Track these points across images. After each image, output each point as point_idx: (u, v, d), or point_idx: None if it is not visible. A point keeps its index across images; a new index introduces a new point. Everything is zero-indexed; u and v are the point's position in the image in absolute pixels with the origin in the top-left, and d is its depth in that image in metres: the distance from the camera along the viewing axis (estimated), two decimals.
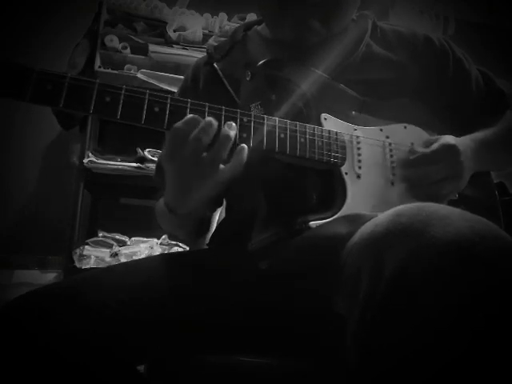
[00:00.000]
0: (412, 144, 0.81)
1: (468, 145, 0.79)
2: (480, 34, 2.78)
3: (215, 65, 0.87)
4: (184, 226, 0.84)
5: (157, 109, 0.63)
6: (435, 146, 0.75)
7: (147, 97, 0.63)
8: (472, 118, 0.89)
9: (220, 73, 0.86)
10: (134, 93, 0.63)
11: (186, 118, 0.63)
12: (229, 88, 0.84)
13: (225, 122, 0.66)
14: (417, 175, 0.76)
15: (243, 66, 0.80)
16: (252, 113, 0.70)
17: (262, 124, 0.69)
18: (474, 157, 0.79)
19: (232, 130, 0.65)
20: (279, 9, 0.80)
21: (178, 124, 0.63)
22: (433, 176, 0.75)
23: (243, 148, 0.65)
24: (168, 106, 0.64)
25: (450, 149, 0.76)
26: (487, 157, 0.84)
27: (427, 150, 0.75)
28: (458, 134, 0.82)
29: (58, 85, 0.59)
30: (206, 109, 0.66)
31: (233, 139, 0.65)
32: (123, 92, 0.62)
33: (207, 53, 0.91)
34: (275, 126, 0.70)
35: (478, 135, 0.84)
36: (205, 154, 0.63)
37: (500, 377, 0.39)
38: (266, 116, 0.70)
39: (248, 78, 0.79)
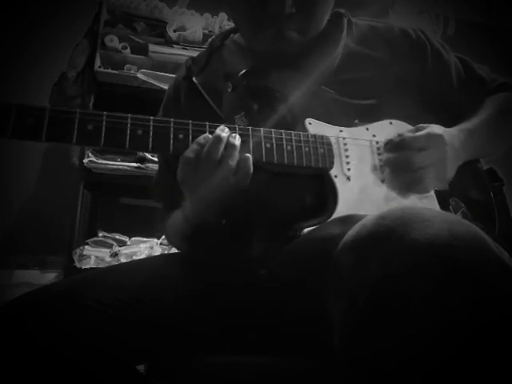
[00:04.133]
0: None
1: (456, 135, 0.79)
2: (480, 34, 2.78)
3: (194, 79, 0.86)
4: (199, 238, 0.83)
5: (140, 131, 0.63)
6: (421, 132, 0.75)
7: (129, 121, 0.63)
8: (456, 107, 0.89)
9: (200, 87, 0.85)
10: (116, 118, 0.63)
11: (192, 145, 0.64)
12: (210, 102, 0.83)
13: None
14: (400, 159, 0.74)
15: (223, 78, 0.79)
16: (236, 125, 0.69)
17: (248, 136, 0.69)
18: (463, 147, 0.79)
19: (236, 140, 0.66)
20: (255, 22, 0.78)
21: (187, 153, 0.64)
22: (416, 162, 0.73)
23: (247, 158, 0.66)
24: (151, 127, 0.64)
25: (436, 138, 0.75)
26: (476, 145, 0.83)
27: (413, 135, 0.74)
28: (445, 125, 0.81)
29: (38, 118, 0.58)
30: (190, 126, 0.66)
31: (238, 147, 0.66)
32: (104, 118, 0.62)
33: (185, 67, 0.90)
34: (261, 136, 0.70)
35: (466, 125, 0.84)
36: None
37: (487, 380, 0.39)
38: (250, 128, 0.70)
39: (229, 90, 0.78)
